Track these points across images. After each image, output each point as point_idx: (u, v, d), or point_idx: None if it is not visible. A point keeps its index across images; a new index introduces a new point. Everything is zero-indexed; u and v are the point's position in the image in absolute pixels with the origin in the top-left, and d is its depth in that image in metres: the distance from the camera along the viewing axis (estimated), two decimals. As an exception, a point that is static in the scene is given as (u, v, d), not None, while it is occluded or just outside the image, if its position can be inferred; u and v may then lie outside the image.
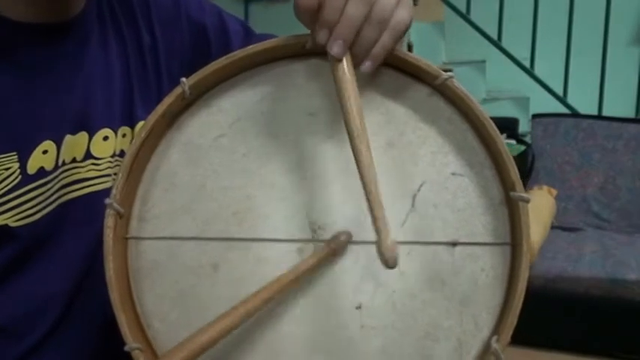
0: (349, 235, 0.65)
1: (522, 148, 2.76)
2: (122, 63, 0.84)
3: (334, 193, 0.65)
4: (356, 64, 0.60)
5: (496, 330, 0.62)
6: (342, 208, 0.65)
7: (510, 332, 0.60)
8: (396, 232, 0.64)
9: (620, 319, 1.94)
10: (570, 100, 3.32)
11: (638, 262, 2.03)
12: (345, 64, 0.59)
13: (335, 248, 0.64)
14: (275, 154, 0.67)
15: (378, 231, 0.57)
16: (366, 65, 0.61)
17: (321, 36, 0.59)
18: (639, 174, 2.59)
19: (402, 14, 0.61)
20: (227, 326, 0.56)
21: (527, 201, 0.60)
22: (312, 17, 0.59)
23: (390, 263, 0.57)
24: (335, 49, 0.59)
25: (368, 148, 0.58)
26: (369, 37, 0.60)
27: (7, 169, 0.71)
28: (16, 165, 0.71)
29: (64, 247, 0.78)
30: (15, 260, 0.75)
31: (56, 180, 0.75)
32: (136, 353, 0.63)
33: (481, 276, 0.64)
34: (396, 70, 0.66)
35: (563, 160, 2.73)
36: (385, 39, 0.60)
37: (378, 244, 0.57)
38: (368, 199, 0.58)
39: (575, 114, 3.13)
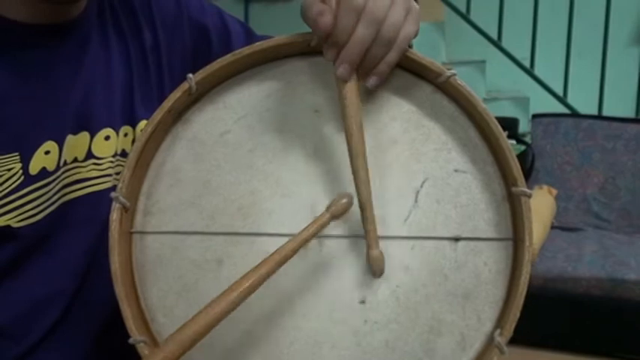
0: (350, 198, 0.65)
1: (522, 148, 2.76)
2: (123, 63, 0.84)
3: (340, 188, 0.66)
4: (361, 77, 0.63)
5: (499, 324, 0.63)
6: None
7: (513, 326, 0.60)
8: (399, 227, 0.65)
9: (620, 319, 1.94)
10: (570, 100, 3.32)
11: (638, 262, 2.03)
12: (349, 85, 0.61)
13: (335, 214, 0.64)
14: (280, 151, 0.68)
15: (368, 244, 0.63)
16: (372, 81, 0.63)
17: (329, 55, 0.61)
18: (639, 174, 2.59)
19: (410, 29, 0.62)
20: (236, 298, 0.56)
21: (529, 196, 0.61)
22: (326, 37, 0.61)
23: (375, 275, 0.64)
24: (341, 70, 0.61)
25: (365, 169, 0.62)
26: (375, 56, 0.61)
27: (9, 169, 0.71)
28: (19, 166, 0.71)
29: (65, 246, 0.78)
30: (16, 260, 0.75)
31: (58, 180, 0.75)
32: (141, 346, 0.63)
33: (484, 271, 0.64)
34: (399, 68, 0.66)
35: (563, 160, 2.73)
36: (391, 56, 0.62)
37: (367, 254, 0.63)
38: (362, 215, 0.63)
39: (575, 114, 3.12)
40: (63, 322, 0.79)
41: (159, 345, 0.67)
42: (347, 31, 0.59)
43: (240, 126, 0.68)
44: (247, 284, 0.57)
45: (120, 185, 0.65)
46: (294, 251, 0.60)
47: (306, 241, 0.61)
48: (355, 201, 0.64)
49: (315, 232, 0.62)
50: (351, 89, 0.61)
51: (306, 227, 0.62)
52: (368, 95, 0.66)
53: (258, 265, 0.58)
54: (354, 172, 0.62)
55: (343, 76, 0.61)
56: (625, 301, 1.92)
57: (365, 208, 0.62)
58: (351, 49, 0.59)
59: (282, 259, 0.59)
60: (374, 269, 0.63)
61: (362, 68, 0.62)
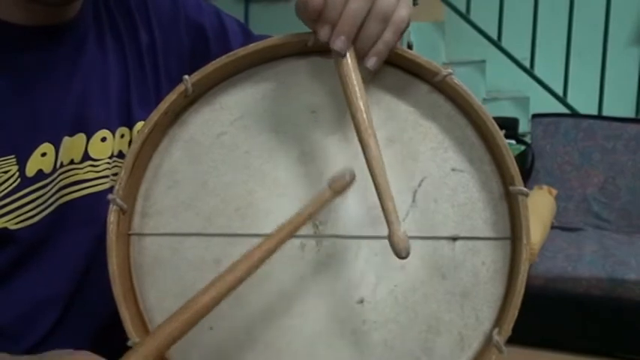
0: (352, 173, 0.63)
1: (522, 148, 2.77)
2: (120, 64, 0.84)
3: None
4: (359, 60, 0.61)
5: (497, 323, 0.63)
6: (345, 203, 0.66)
7: (511, 325, 0.60)
8: None
9: (620, 319, 1.95)
10: (570, 100, 3.33)
11: (638, 262, 2.03)
12: (349, 60, 0.60)
13: (337, 190, 0.62)
14: (277, 151, 0.68)
15: (389, 223, 0.58)
16: (371, 61, 0.62)
17: (324, 33, 0.60)
18: (639, 174, 2.59)
19: (403, 12, 0.61)
20: (236, 278, 0.56)
21: (526, 194, 0.61)
22: (317, 16, 0.60)
23: (402, 254, 0.57)
24: (338, 44, 0.59)
25: (376, 142, 0.59)
26: (371, 33, 0.60)
27: (5, 172, 0.70)
28: (15, 168, 0.71)
29: (63, 248, 0.77)
30: (14, 262, 0.75)
31: (55, 182, 0.75)
32: (138, 347, 0.63)
33: (482, 270, 0.64)
34: (396, 68, 0.66)
35: (563, 160, 2.73)
36: (388, 35, 0.61)
37: (390, 235, 0.57)
38: (378, 192, 0.59)
39: (575, 114, 3.13)
40: (62, 323, 0.79)
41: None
42: (339, 6, 0.58)
43: (236, 127, 0.68)
44: (239, 273, 0.57)
45: (117, 187, 0.65)
46: (296, 229, 0.59)
47: (309, 217, 0.60)
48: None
49: (317, 210, 0.61)
50: (350, 66, 0.60)
51: (308, 204, 0.61)
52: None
53: (264, 241, 0.58)
54: (364, 147, 0.59)
55: (341, 48, 0.59)
56: (625, 301, 1.93)
57: (380, 184, 0.59)
58: (345, 21, 0.59)
59: (284, 236, 0.58)
60: (399, 249, 0.57)
61: (359, 46, 0.61)
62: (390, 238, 0.57)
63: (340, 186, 0.62)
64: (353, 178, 0.63)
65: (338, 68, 0.61)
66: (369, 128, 0.59)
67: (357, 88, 0.60)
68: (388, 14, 0.60)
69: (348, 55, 0.60)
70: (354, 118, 0.60)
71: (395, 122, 0.66)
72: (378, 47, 0.61)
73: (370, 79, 0.64)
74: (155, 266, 0.68)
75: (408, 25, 0.62)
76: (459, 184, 0.65)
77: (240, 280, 0.56)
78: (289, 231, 0.59)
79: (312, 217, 0.61)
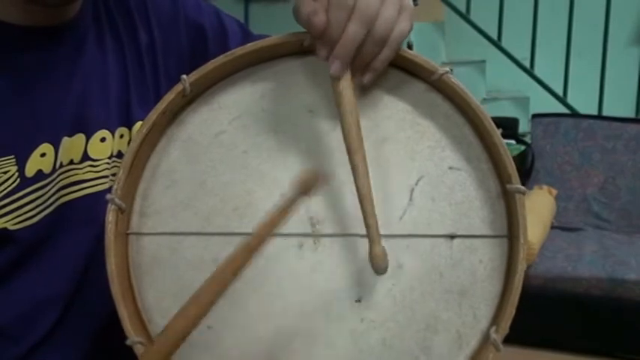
0: (315, 172, 0.65)
1: (522, 148, 2.77)
2: (119, 64, 0.84)
3: (333, 187, 0.66)
4: (355, 73, 0.62)
5: (495, 321, 0.63)
6: (342, 202, 0.66)
7: (509, 323, 0.60)
8: (394, 225, 0.65)
9: (620, 319, 1.95)
10: (570, 100, 3.33)
11: (638, 262, 2.03)
12: (344, 81, 0.61)
13: (305, 190, 0.63)
14: (275, 151, 0.68)
15: (370, 239, 0.61)
16: (366, 77, 0.64)
17: (322, 53, 0.62)
18: (639, 174, 2.59)
19: (403, 26, 0.62)
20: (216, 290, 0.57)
21: (523, 193, 0.61)
22: (320, 36, 0.61)
23: (379, 270, 0.61)
24: (333, 68, 0.61)
25: (364, 163, 0.61)
26: (369, 53, 0.61)
27: (5, 172, 0.70)
28: (14, 168, 0.71)
29: (62, 249, 0.77)
30: (14, 263, 0.75)
31: (54, 182, 0.75)
32: (137, 347, 0.63)
33: (479, 268, 0.64)
34: (393, 67, 0.66)
35: (563, 160, 2.73)
36: (385, 54, 0.62)
37: (370, 252, 0.60)
38: (362, 209, 0.61)
39: (575, 114, 3.13)
40: (62, 323, 0.79)
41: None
42: (339, 28, 0.59)
43: (234, 126, 0.68)
44: (227, 271, 0.58)
45: (115, 187, 0.65)
46: (266, 235, 0.60)
47: (275, 224, 0.60)
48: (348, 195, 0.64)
49: (284, 210, 0.61)
50: (346, 86, 0.61)
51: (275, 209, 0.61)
52: (362, 94, 0.66)
53: (236, 250, 0.59)
54: (353, 168, 0.61)
55: (336, 73, 0.61)
56: (625, 301, 1.93)
57: (365, 202, 0.61)
58: (342, 46, 0.60)
59: (255, 244, 0.59)
60: (377, 267, 0.60)
61: (356, 65, 0.62)
62: (369, 254, 0.61)
63: (304, 185, 0.63)
64: (317, 176, 0.64)
65: (333, 84, 0.62)
66: (358, 151, 0.61)
67: (349, 109, 0.61)
68: (386, 35, 0.61)
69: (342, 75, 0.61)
70: (345, 138, 0.62)
71: (392, 121, 0.67)
72: (375, 65, 0.63)
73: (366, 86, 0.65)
74: (154, 266, 0.68)
75: (408, 34, 0.63)
76: (457, 182, 0.66)
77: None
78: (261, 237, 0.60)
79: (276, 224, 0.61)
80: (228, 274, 0.58)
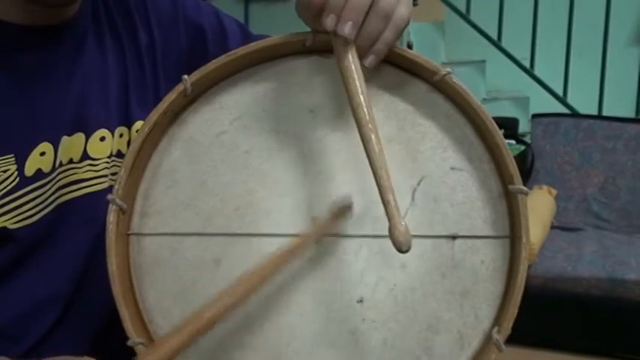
0: (349, 201, 0.64)
1: (522, 148, 2.77)
2: (119, 63, 0.84)
3: (336, 188, 0.66)
4: (359, 56, 0.62)
5: (497, 321, 0.63)
6: None
7: (511, 323, 0.60)
8: None
9: (620, 319, 1.95)
10: (570, 100, 3.33)
11: (638, 262, 2.03)
12: (351, 54, 0.60)
13: (337, 215, 0.63)
14: (277, 151, 0.68)
15: (389, 216, 0.57)
16: (370, 59, 0.62)
17: (330, 21, 0.60)
18: (639, 174, 2.59)
19: (403, 11, 0.62)
20: (231, 302, 0.56)
21: (525, 193, 0.61)
22: (320, 10, 0.60)
23: (403, 247, 0.56)
24: (346, 29, 0.60)
25: (377, 136, 0.59)
26: (372, 30, 0.61)
27: (4, 171, 0.70)
28: (14, 167, 0.71)
29: (62, 248, 0.78)
30: (14, 262, 0.75)
31: (54, 181, 0.75)
32: (139, 348, 0.63)
33: (481, 268, 0.64)
34: (395, 67, 0.66)
35: (563, 160, 2.73)
36: (388, 34, 0.61)
37: (391, 228, 0.57)
38: (379, 185, 0.58)
39: (575, 114, 3.13)
40: (62, 322, 0.79)
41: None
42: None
43: (235, 127, 0.68)
44: (243, 289, 0.57)
45: (116, 187, 0.65)
46: (292, 254, 0.60)
47: (305, 245, 0.61)
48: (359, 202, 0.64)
49: (317, 235, 0.62)
50: (353, 62, 0.61)
51: (306, 233, 0.62)
52: None
53: (254, 271, 0.58)
54: (365, 142, 0.59)
55: (349, 33, 0.60)
56: (625, 301, 1.93)
57: (380, 177, 0.58)
58: (349, 9, 0.59)
59: (278, 262, 0.59)
60: (399, 243, 0.56)
61: (360, 44, 0.61)
62: (390, 231, 0.57)
63: (341, 212, 0.63)
64: (350, 206, 0.64)
65: (340, 62, 0.61)
66: (370, 123, 0.59)
67: (357, 83, 0.60)
68: (389, 12, 0.61)
69: (350, 51, 0.60)
70: (354, 112, 0.60)
71: (394, 121, 0.67)
72: (378, 46, 0.62)
73: (368, 77, 0.64)
74: (154, 266, 0.68)
75: (407, 24, 0.63)
76: (458, 183, 0.66)
77: (244, 297, 0.57)
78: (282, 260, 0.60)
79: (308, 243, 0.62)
80: (242, 292, 0.57)
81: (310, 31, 0.64)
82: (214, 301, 0.56)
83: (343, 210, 0.64)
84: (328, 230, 0.64)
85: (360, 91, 0.60)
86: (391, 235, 0.56)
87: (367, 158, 0.59)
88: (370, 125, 0.59)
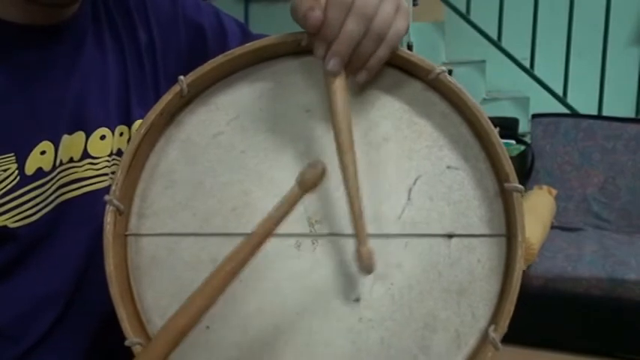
0: (321, 165, 0.62)
1: (522, 148, 2.76)
2: (118, 62, 0.84)
3: (331, 187, 0.66)
4: (351, 73, 0.63)
5: (493, 320, 0.63)
6: (340, 202, 0.66)
7: (507, 321, 0.60)
8: (392, 225, 0.65)
9: (620, 319, 1.94)
10: (570, 100, 3.33)
11: (638, 262, 2.03)
12: (338, 81, 0.61)
13: (306, 187, 0.61)
14: (273, 151, 0.68)
15: (357, 240, 0.61)
16: (362, 76, 0.64)
17: (319, 51, 0.61)
18: (639, 174, 2.59)
19: (400, 25, 0.62)
20: (216, 288, 0.57)
21: (521, 191, 0.61)
22: (316, 32, 0.61)
23: (365, 270, 0.61)
24: (331, 64, 0.61)
25: (354, 164, 0.61)
26: (366, 51, 0.61)
27: (5, 170, 0.71)
28: (14, 166, 0.71)
29: (62, 247, 0.78)
30: (14, 261, 0.75)
31: (54, 180, 0.75)
32: (137, 348, 0.63)
33: (477, 267, 0.64)
34: (390, 66, 0.67)
35: (563, 160, 2.73)
36: (381, 52, 0.62)
37: (356, 252, 0.61)
38: (351, 210, 0.61)
39: (575, 114, 3.13)
40: (61, 322, 0.79)
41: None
42: (336, 25, 0.59)
43: (232, 127, 0.69)
44: (227, 269, 0.57)
45: (113, 188, 0.65)
46: (269, 233, 0.59)
47: (279, 221, 0.60)
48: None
49: (288, 210, 0.60)
50: (339, 85, 0.61)
51: (278, 207, 0.60)
52: (359, 93, 0.66)
53: (236, 249, 0.58)
54: (343, 168, 0.61)
55: (333, 69, 0.60)
56: (625, 301, 1.93)
57: (353, 203, 0.61)
58: (340, 43, 0.60)
59: (257, 243, 0.59)
60: (363, 266, 0.61)
61: (352, 64, 0.62)
62: (356, 254, 0.61)
63: (309, 181, 0.61)
64: (323, 171, 0.62)
65: (327, 84, 0.62)
66: (348, 151, 0.61)
67: (341, 110, 0.61)
68: (384, 33, 0.61)
69: (336, 77, 0.61)
70: (336, 136, 0.62)
71: (390, 120, 0.67)
72: (370, 63, 0.63)
73: (361, 86, 0.65)
74: (152, 266, 0.68)
75: (405, 34, 0.63)
76: (454, 181, 0.66)
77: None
78: (262, 236, 0.59)
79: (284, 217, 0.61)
80: (228, 273, 0.58)
81: (306, 32, 0.64)
82: (206, 282, 0.57)
83: (313, 178, 0.61)
84: (300, 198, 0.61)
85: (341, 119, 0.61)
86: (356, 258, 0.61)
87: (343, 182, 0.61)
88: (348, 154, 0.61)
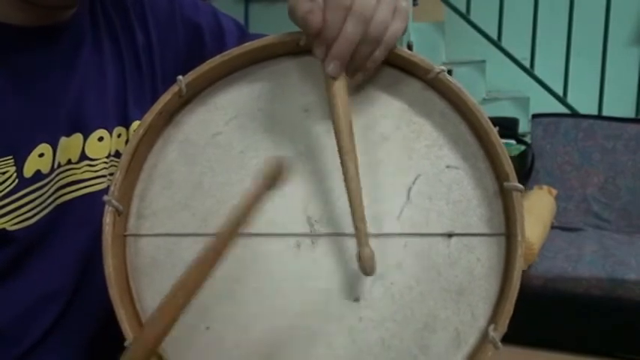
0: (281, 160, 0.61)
1: (522, 148, 2.76)
2: (116, 63, 0.84)
3: (331, 187, 0.66)
4: (347, 74, 0.63)
5: (493, 319, 0.63)
6: (339, 201, 0.66)
7: (507, 321, 0.60)
8: (392, 224, 0.65)
9: (620, 319, 1.94)
10: (570, 100, 3.33)
11: (638, 262, 2.03)
12: (338, 82, 0.61)
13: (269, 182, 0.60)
14: (272, 151, 0.68)
15: (358, 242, 0.61)
16: (358, 77, 0.64)
17: (319, 53, 0.61)
18: (639, 174, 2.59)
19: (397, 26, 0.62)
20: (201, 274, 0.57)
21: (520, 190, 0.61)
22: (316, 35, 0.61)
23: (366, 272, 0.61)
24: (331, 68, 0.61)
25: (355, 165, 0.61)
26: (363, 54, 0.61)
27: (3, 173, 0.70)
28: (13, 169, 0.71)
29: (61, 248, 0.78)
30: (12, 263, 0.75)
31: (52, 182, 0.75)
32: (135, 348, 0.64)
33: (477, 266, 0.64)
34: (389, 66, 0.66)
35: (563, 160, 2.73)
36: (378, 53, 0.62)
37: (358, 253, 0.61)
38: (352, 212, 0.61)
39: (575, 114, 3.13)
40: (60, 323, 0.79)
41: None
42: (336, 28, 0.59)
43: (231, 127, 0.68)
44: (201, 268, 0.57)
45: (112, 188, 0.65)
46: (236, 227, 0.58)
47: (240, 223, 0.58)
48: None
49: (252, 203, 0.59)
50: (339, 87, 0.61)
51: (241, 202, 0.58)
52: (358, 93, 0.66)
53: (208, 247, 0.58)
54: (344, 170, 0.61)
55: (333, 72, 0.61)
56: (625, 301, 1.92)
57: (354, 205, 0.61)
58: (340, 46, 0.60)
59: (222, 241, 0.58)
60: (365, 268, 0.61)
61: (349, 65, 0.62)
62: (357, 256, 0.61)
63: (272, 178, 0.60)
64: (283, 165, 0.61)
65: (327, 86, 0.62)
66: (350, 152, 0.61)
67: (342, 111, 0.61)
68: (382, 35, 0.61)
69: (336, 79, 0.61)
70: (337, 140, 0.62)
71: (389, 120, 0.67)
72: (367, 65, 0.63)
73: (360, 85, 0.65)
74: (151, 267, 0.68)
75: (403, 34, 0.63)
76: (454, 181, 0.66)
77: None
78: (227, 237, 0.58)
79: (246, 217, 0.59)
80: (198, 278, 0.57)
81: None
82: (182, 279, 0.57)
83: (276, 174, 0.60)
84: (264, 193, 0.60)
85: (342, 120, 0.61)
86: (357, 260, 0.61)
87: (345, 183, 0.61)
88: (350, 154, 0.61)
